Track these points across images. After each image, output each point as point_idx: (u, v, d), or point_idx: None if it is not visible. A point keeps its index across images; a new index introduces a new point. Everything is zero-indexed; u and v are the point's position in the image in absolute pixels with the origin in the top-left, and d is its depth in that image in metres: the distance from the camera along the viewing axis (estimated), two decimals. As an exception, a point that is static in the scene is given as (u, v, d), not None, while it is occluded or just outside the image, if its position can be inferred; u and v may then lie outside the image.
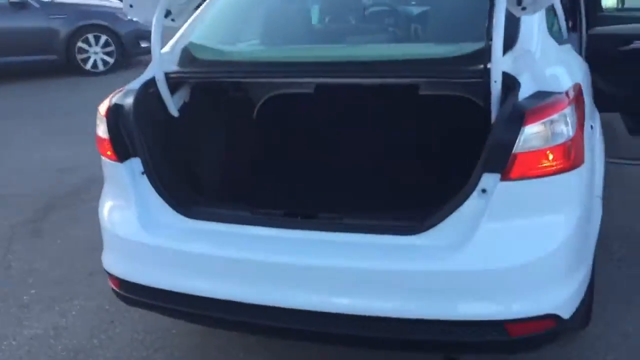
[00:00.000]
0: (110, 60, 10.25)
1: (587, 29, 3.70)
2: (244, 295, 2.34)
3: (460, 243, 2.17)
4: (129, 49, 10.37)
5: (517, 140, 2.12)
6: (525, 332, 2.21)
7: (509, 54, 2.41)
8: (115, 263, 2.64)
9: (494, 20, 2.22)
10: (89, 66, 10.16)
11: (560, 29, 3.24)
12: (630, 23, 4.15)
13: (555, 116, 2.17)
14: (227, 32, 3.18)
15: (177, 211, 2.50)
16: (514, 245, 2.18)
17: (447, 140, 3.06)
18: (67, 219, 4.66)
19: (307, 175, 3.09)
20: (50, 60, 9.93)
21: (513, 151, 2.12)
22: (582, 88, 2.54)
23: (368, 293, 2.23)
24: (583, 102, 2.46)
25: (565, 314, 2.25)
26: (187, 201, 2.57)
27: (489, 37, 2.24)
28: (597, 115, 3.08)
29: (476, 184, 2.17)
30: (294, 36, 3.30)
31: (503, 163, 2.12)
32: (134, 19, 10.39)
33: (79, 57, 10.07)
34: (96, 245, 4.11)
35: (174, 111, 2.79)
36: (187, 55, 2.85)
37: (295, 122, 3.27)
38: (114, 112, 2.58)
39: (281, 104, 3.33)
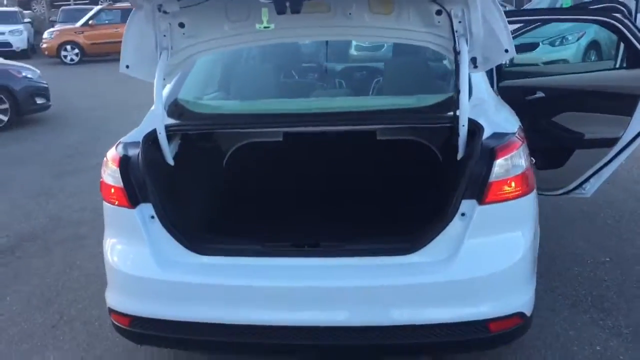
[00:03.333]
0: (4, 117, 9.97)
1: (498, 81, 4.37)
2: (263, 318, 2.63)
3: (449, 258, 2.62)
4: (24, 106, 10.15)
5: (492, 172, 2.62)
6: (501, 328, 2.67)
7: (469, 103, 2.93)
8: (127, 302, 2.81)
9: (460, 77, 2.74)
10: (-20, 123, 9.84)
11: (492, 83, 3.84)
12: (519, 77, 4.92)
13: (515, 152, 2.71)
14: (209, 89, 3.50)
15: (190, 249, 2.75)
16: (490, 257, 2.66)
17: (404, 175, 3.52)
18: (7, 277, 4.63)
19: (296, 212, 3.43)
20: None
21: (489, 180, 2.62)
22: None
23: (377, 307, 2.60)
24: (525, 141, 3.02)
25: (528, 312, 2.75)
26: (197, 239, 2.82)
27: (457, 90, 2.75)
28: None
29: (457, 209, 2.64)
30: (271, 91, 3.68)
31: (481, 191, 2.62)
32: (29, 76, 10.30)
33: (-29, 114, 9.75)
34: (50, 298, 4.16)
35: (170, 160, 3.04)
36: (177, 110, 3.13)
37: (273, 166, 3.62)
38: (125, 162, 2.81)
39: (252, 151, 3.69)
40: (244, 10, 2.84)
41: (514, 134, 2.84)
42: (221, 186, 3.51)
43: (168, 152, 3.01)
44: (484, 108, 2.97)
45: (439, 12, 2.79)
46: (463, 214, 2.64)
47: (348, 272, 2.64)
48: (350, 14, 2.89)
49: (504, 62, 5.26)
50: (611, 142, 4.22)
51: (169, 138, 3.04)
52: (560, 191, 4.48)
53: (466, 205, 2.64)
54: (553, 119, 4.36)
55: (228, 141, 3.74)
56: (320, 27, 2.98)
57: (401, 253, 2.66)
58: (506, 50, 2.88)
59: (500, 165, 2.65)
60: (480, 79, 3.15)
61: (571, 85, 4.29)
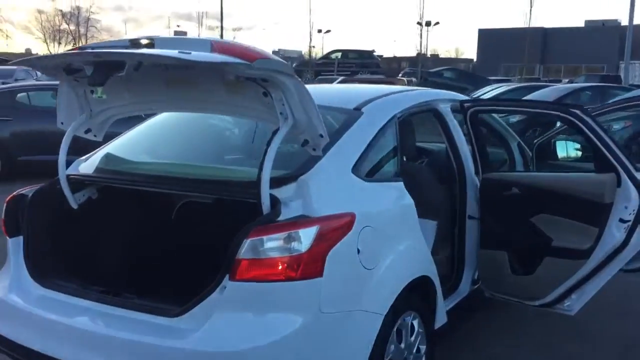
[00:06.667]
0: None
1: (483, 173, 4.05)
2: (54, 352, 2.94)
3: (196, 328, 2.66)
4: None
5: (240, 249, 2.63)
6: None
7: (294, 184, 2.91)
8: None
9: (266, 155, 2.79)
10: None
11: (394, 167, 3.53)
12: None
13: (285, 234, 2.66)
14: (134, 150, 3.91)
15: (36, 281, 3.19)
16: (235, 335, 2.62)
17: None
18: None
19: (139, 266, 3.61)
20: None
21: (236, 257, 2.63)
22: (360, 218, 2.91)
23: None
24: (345, 227, 2.86)
25: None
26: (48, 274, 3.24)
27: (260, 169, 2.79)
28: (390, 243, 3.20)
29: (220, 282, 2.68)
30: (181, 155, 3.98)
31: (230, 266, 2.64)
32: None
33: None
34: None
35: (73, 204, 3.53)
36: (102, 162, 3.61)
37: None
38: (15, 199, 3.39)
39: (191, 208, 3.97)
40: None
41: (313, 218, 2.76)
42: (132, 237, 3.83)
43: (70, 196, 3.49)
44: (306, 191, 2.90)
45: (265, 94, 2.89)
46: (225, 287, 2.67)
47: (113, 322, 2.84)
48: (209, 90, 3.12)
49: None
50: (578, 253, 3.64)
51: (80, 185, 3.54)
52: (537, 302, 3.94)
53: (226, 279, 2.67)
54: (531, 220, 3.89)
55: (178, 198, 4.07)
56: (187, 100, 3.26)
57: (163, 314, 2.77)
58: (320, 135, 2.87)
59: (251, 244, 2.63)
60: (328, 164, 3.07)
61: (541, 184, 3.80)
